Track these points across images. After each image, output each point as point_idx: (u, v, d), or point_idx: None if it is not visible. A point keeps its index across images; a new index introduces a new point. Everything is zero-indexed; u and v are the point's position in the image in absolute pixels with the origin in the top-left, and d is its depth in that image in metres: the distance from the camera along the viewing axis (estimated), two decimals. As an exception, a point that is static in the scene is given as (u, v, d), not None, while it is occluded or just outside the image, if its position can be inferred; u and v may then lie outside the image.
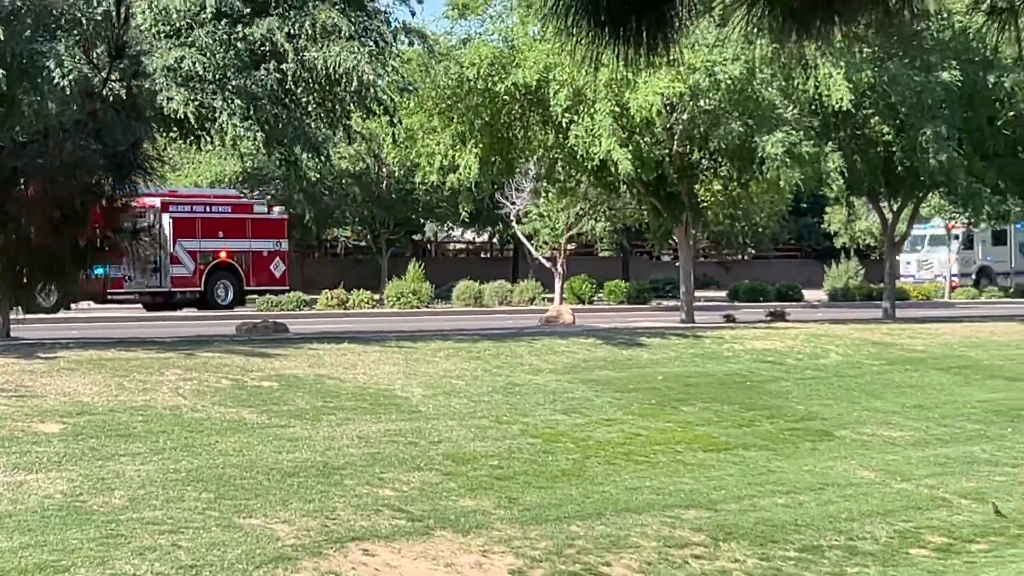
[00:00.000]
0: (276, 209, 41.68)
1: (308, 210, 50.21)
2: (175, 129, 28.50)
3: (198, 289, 38.15)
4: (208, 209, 37.98)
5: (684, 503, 18.19)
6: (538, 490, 18.03)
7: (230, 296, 38.87)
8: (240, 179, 46.49)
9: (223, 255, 38.12)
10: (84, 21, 22.94)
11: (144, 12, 25.42)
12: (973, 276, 54.28)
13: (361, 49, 27.27)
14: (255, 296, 39.76)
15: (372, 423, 20.23)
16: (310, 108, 30.39)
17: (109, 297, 36.99)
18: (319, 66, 27.00)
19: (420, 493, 17.32)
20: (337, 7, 27.96)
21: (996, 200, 35.49)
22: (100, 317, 36.28)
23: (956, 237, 51.92)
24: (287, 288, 41.42)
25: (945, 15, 29.57)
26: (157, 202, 35.58)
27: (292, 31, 27.60)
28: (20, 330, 26.53)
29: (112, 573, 13.42)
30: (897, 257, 48.05)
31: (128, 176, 7.07)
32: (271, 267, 39.94)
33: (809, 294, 52.83)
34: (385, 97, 29.06)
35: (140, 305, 38.51)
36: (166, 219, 36.93)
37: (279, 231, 41.07)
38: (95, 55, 18.17)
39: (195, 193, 41.86)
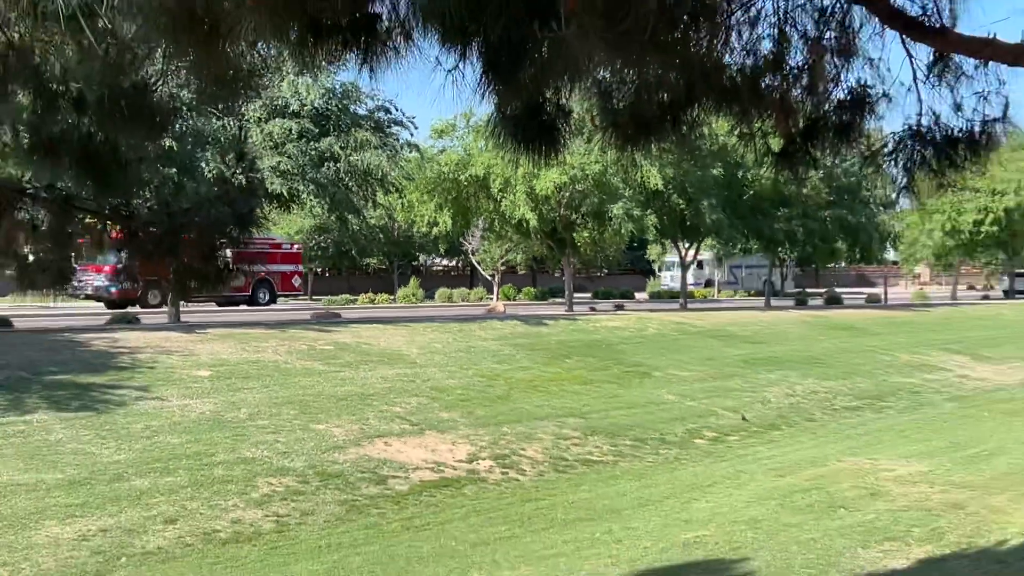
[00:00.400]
0: (295, 245, 53.62)
1: (352, 247, 67.49)
2: (275, 201, 38.20)
3: (247, 294, 46.94)
4: (253, 245, 42.86)
5: (566, 414, 24.01)
6: (484, 407, 23.73)
7: (268, 298, 48.71)
8: (313, 230, 60.37)
9: (263, 274, 47.14)
10: (221, 139, 28.14)
11: (256, 133, 33.19)
12: (703, 285, 71.47)
13: (382, 155, 37.24)
14: (286, 298, 51.30)
15: (389, 369, 26.03)
16: (353, 189, 41.61)
17: (194, 297, 43.08)
18: (359, 164, 37.44)
19: (416, 409, 22.86)
20: (369, 131, 37.61)
21: (742, 241, 49.43)
22: (199, 310, 41.51)
23: (696, 263, 63.97)
24: (301, 293, 54.64)
25: (715, 136, 38.51)
26: None
27: (343, 144, 37.74)
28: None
29: (239, 456, 18.49)
30: (660, 273, 75.54)
31: (247, 229, 8.48)
32: (291, 281, 51.76)
33: (638, 295, 69.13)
34: (396, 182, 40.36)
35: (213, 303, 45.86)
36: (228, 252, 41.45)
37: (297, 259, 52.89)
38: (228, 159, 24.80)
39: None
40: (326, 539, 15.58)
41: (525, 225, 40.16)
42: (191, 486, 16.81)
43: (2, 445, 17.78)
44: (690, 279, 60.90)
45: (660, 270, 79.71)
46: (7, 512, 15.15)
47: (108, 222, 7.26)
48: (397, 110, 44.29)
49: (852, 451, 22.33)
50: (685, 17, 5.46)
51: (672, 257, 67.93)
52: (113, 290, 40.24)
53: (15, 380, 21.38)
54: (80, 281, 39.83)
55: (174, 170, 25.97)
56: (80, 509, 15.58)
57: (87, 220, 7.12)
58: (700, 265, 72.51)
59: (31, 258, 7.01)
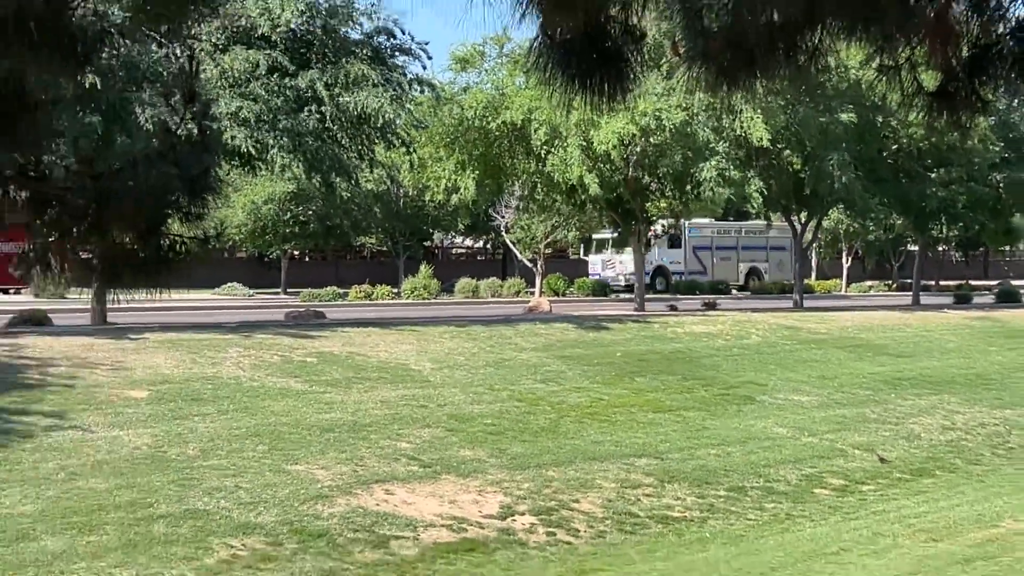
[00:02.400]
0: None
1: (342, 222, 65.93)
2: (236, 159, 37.76)
3: None
4: None
5: (637, 453, 23.85)
6: (522, 443, 23.61)
7: None
8: (288, 198, 59.75)
9: None
10: (164, 74, 27.64)
11: (211, 67, 33.04)
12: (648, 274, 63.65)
13: (384, 95, 36.99)
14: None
15: (391, 390, 25.97)
16: (343, 142, 41.06)
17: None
18: (351, 108, 37.54)
19: (429, 445, 22.80)
20: (365, 62, 37.25)
21: (883, 213, 48.13)
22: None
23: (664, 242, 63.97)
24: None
25: (843, 69, 38.20)
26: None
27: (329, 81, 37.52)
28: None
29: (187, 508, 18.28)
30: (583, 256, 69.49)
31: (200, 196, 8.82)
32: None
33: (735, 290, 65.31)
34: (402, 133, 40.16)
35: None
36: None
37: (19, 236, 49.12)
38: (173, 101, 24.64)
39: None
40: (304, 625, 15.65)
41: (580, 191, 39.73)
42: (121, 548, 16.80)
43: None
44: (629, 266, 59.67)
45: (585, 253, 72.80)
46: None
47: (17, 187, 7.59)
48: (404, 33, 42.46)
49: (1034, 507, 22.22)
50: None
51: (603, 234, 65.04)
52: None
53: None
54: None
55: (99, 118, 26.36)
56: (-34, 587, 15.77)
57: None
58: (675, 243, 71.07)
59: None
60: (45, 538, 16.78)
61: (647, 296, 47.74)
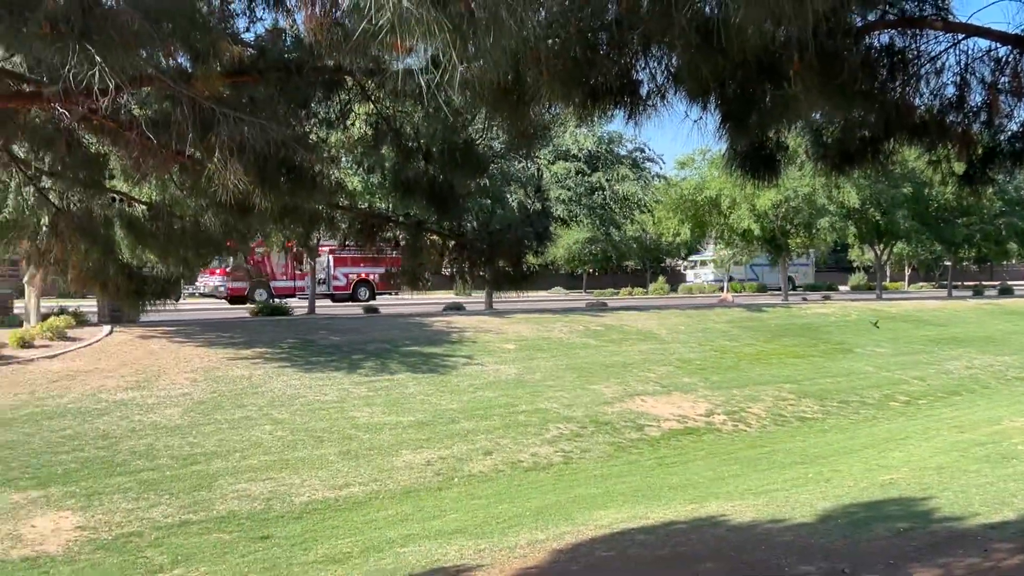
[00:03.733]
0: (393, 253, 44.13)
1: (615, 253, 57.91)
2: (559, 221, 39.33)
3: (348, 292, 40.31)
4: (354, 251, 37.09)
5: (783, 380, 23.40)
6: (717, 375, 23.36)
7: (368, 296, 40.00)
8: (586, 240, 52.19)
9: (364, 276, 40.56)
10: (522, 177, 28.82)
11: (548, 174, 34.46)
12: (725, 282, 56.19)
13: (637, 184, 37.60)
14: (386, 294, 40.79)
15: (644, 345, 25.89)
16: (615, 210, 42.45)
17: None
18: (620, 192, 37.61)
19: (665, 375, 22.75)
20: (627, 166, 38.37)
21: (928, 245, 45.37)
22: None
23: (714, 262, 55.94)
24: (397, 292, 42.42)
25: (905, 161, 35.08)
26: (327, 251, 37.73)
27: (608, 177, 38.29)
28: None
29: (536, 407, 18.88)
30: (686, 272, 60.28)
31: (543, 242, 8.32)
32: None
33: (841, 288, 59.91)
34: (648, 205, 39.20)
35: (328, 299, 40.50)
36: (330, 259, 39.41)
37: (397, 263, 41.77)
38: (527, 191, 25.60)
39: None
40: (599, 470, 15.64)
41: (749, 234, 38.98)
42: (502, 428, 17.29)
43: (374, 396, 18.70)
44: (710, 277, 55.63)
45: (686, 269, 62.91)
46: (378, 443, 16.02)
47: (446, 239, 7.39)
48: (649, 149, 44.05)
49: (1022, 413, 20.86)
50: (884, 71, 5.22)
51: (696, 256, 58.97)
52: (225, 288, 37.18)
53: (381, 350, 22.48)
54: (201, 283, 37.57)
55: (488, 200, 26.71)
56: (426, 443, 16.23)
57: (432, 237, 7.31)
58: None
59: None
60: (463, 422, 17.43)
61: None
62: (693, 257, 59.25)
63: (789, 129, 6.14)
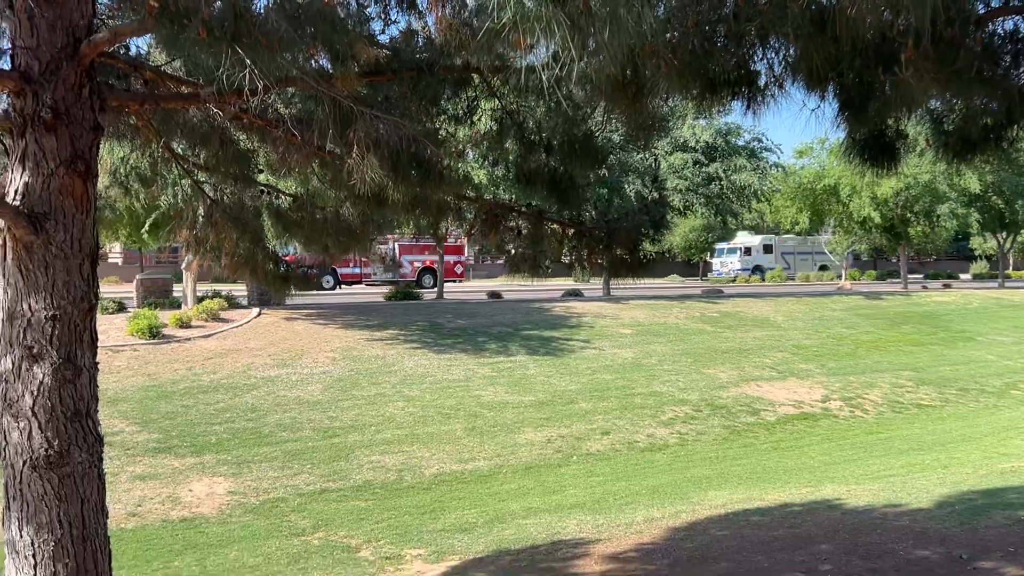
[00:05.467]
0: (462, 240, 39.12)
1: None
2: (676, 211, 38.75)
3: (414, 279, 38.84)
4: (420, 240, 37.62)
5: (902, 368, 22.60)
6: (834, 361, 22.59)
7: (433, 283, 37.69)
8: (701, 228, 48.76)
9: (428, 263, 38.95)
10: (640, 168, 28.57)
11: (665, 165, 34.27)
12: (751, 271, 52.07)
13: (754, 174, 36.55)
14: (451, 283, 39.49)
15: (759, 331, 25.30)
16: (733, 199, 41.41)
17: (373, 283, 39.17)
18: (737, 182, 36.85)
19: (781, 361, 22.17)
20: (744, 156, 37.61)
21: None
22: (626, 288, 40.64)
23: (744, 249, 51.60)
24: (462, 280, 41.94)
25: None
26: (392, 239, 37.29)
27: (725, 168, 37.54)
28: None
29: (651, 390, 18.63)
30: (709, 260, 52.85)
31: (660, 230, 9.63)
32: (454, 269, 40.29)
33: (962, 276, 56.45)
34: (765, 195, 38.35)
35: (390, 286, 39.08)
36: (396, 247, 38.81)
37: (460, 251, 40.83)
38: (645, 181, 25.46)
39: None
40: (714, 452, 15.47)
41: (868, 222, 37.44)
42: (619, 410, 17.22)
43: (497, 376, 18.90)
44: (737, 265, 51.71)
45: (711, 256, 54.35)
46: (501, 420, 16.23)
47: (565, 227, 7.37)
48: (767, 139, 42.89)
49: None
50: (1008, 57, 4.95)
51: (722, 244, 53.08)
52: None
53: (504, 333, 22.67)
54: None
55: (606, 190, 26.62)
56: (546, 421, 16.32)
57: (552, 226, 7.27)
58: (748, 251, 53.22)
59: (514, 252, 7.36)
60: (581, 402, 17.47)
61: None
62: (720, 245, 53.58)
63: (908, 117, 5.82)
